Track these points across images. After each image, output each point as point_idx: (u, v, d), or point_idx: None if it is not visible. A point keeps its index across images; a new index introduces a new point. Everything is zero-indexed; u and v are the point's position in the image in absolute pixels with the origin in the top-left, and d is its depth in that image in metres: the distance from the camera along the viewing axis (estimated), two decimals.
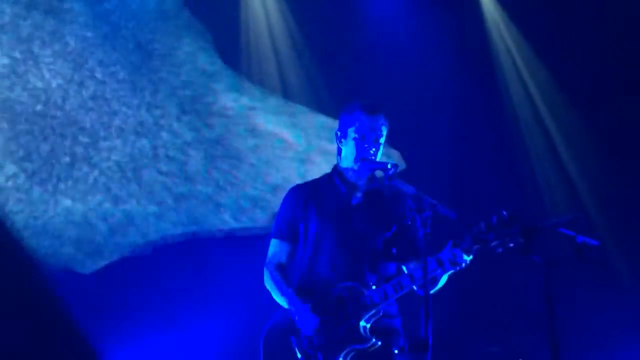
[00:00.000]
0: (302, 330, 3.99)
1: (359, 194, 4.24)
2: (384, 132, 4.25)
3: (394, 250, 4.22)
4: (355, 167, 4.22)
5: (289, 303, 4.11)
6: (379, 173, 4.21)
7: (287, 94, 7.61)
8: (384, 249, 4.21)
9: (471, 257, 4.00)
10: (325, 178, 4.33)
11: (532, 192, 7.76)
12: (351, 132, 4.22)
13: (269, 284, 4.26)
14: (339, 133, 4.29)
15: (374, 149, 4.20)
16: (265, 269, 4.30)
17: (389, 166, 4.02)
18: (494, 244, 3.90)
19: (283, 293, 4.17)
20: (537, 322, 4.50)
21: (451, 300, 6.87)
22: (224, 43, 7.54)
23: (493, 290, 7.41)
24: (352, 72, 7.73)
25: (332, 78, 7.69)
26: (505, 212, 3.90)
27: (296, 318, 4.02)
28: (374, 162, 4.17)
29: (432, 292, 4.16)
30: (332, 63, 7.70)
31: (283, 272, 4.25)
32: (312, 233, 4.20)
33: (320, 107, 7.65)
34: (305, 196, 4.28)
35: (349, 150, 4.23)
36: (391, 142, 7.40)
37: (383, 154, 4.31)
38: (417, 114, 7.79)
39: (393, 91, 7.68)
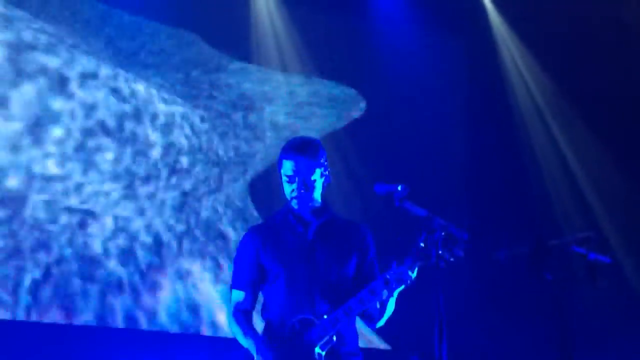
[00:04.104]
0: None
1: (312, 230, 4.26)
2: (317, 171, 4.20)
3: (353, 281, 4.24)
4: (295, 206, 4.25)
5: (249, 340, 4.12)
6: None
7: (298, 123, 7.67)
8: (342, 280, 4.22)
9: (415, 273, 4.03)
10: (280, 217, 4.32)
11: (545, 211, 7.77)
12: (282, 172, 4.26)
13: (232, 328, 4.26)
14: (279, 173, 4.33)
15: (302, 190, 4.20)
16: (229, 315, 4.30)
17: (399, 188, 4.04)
18: (434, 260, 3.95)
19: (245, 333, 4.17)
20: (551, 341, 4.52)
21: (464, 317, 6.95)
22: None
23: (505, 310, 7.43)
24: (365, 99, 7.78)
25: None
26: (443, 232, 3.93)
27: (257, 354, 4.05)
28: (385, 185, 4.16)
29: (381, 322, 4.22)
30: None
31: (246, 316, 4.24)
32: (273, 275, 4.20)
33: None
34: (262, 239, 4.24)
35: (284, 190, 4.27)
36: (404, 161, 7.56)
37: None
38: (430, 138, 7.85)
39: (405, 116, 7.76)
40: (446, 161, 7.98)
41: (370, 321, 4.25)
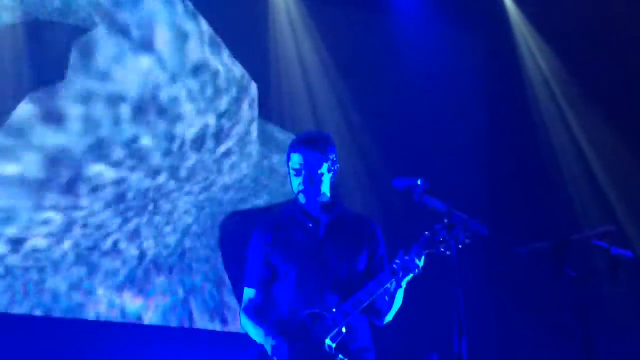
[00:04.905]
0: (277, 358, 4.00)
1: (322, 228, 4.24)
2: (325, 165, 4.20)
3: (363, 275, 4.21)
4: (302, 200, 4.23)
5: (261, 332, 4.11)
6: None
7: (317, 119, 7.64)
8: (352, 274, 4.19)
9: (422, 262, 3.99)
10: (289, 213, 4.31)
11: (564, 206, 7.74)
12: (289, 166, 4.24)
13: (244, 324, 4.26)
14: (287, 168, 4.32)
15: (309, 184, 4.17)
16: (241, 313, 4.31)
17: (418, 182, 4.01)
18: (441, 248, 3.92)
19: (256, 327, 4.16)
20: (572, 337, 4.49)
21: (483, 315, 6.93)
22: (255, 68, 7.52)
23: (525, 306, 7.40)
24: (384, 96, 7.77)
25: (362, 103, 7.74)
26: (447, 220, 3.90)
27: (270, 348, 4.03)
28: (404, 179, 4.13)
29: (389, 317, 4.19)
30: (362, 88, 7.74)
31: (257, 311, 4.24)
32: (283, 273, 4.20)
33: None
34: (271, 237, 4.24)
35: (291, 184, 4.25)
36: (423, 157, 7.54)
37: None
38: (450, 134, 7.83)
39: (424, 113, 7.74)
40: (465, 157, 7.96)
41: (378, 316, 4.22)
